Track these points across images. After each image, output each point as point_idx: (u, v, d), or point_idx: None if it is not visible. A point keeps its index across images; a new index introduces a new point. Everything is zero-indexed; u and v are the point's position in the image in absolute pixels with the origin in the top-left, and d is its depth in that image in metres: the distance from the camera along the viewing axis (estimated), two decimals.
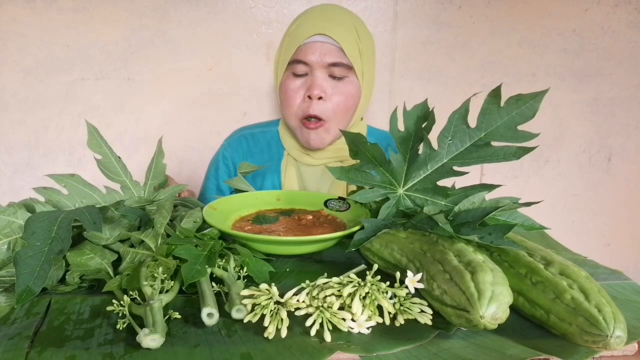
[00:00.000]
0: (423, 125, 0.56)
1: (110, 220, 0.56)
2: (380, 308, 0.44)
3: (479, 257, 0.43)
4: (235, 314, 0.43)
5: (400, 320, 0.43)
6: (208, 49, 1.24)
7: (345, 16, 0.87)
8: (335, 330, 0.42)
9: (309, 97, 0.85)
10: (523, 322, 0.45)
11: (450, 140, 0.55)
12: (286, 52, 0.88)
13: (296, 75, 0.87)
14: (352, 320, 0.42)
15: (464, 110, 0.54)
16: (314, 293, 0.44)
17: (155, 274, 0.47)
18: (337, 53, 0.84)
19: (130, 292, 0.46)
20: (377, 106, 1.32)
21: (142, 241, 0.53)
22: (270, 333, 0.40)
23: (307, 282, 0.46)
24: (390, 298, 0.45)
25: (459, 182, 0.56)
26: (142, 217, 0.58)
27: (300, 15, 0.90)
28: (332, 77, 0.86)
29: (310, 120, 0.86)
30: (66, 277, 0.51)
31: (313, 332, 0.41)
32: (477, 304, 0.38)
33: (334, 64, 0.84)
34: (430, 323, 0.43)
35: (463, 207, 0.52)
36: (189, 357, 0.38)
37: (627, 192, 1.45)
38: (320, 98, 0.85)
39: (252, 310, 0.43)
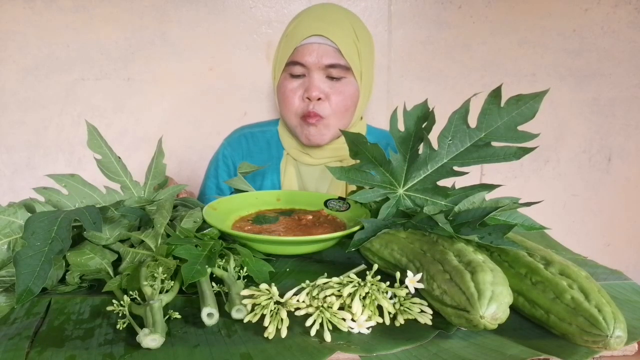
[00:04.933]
0: (423, 126, 0.56)
1: (110, 220, 0.56)
2: (380, 308, 0.44)
3: (479, 257, 0.43)
4: (235, 314, 0.43)
5: (400, 320, 0.43)
6: (208, 49, 1.24)
7: (342, 16, 0.86)
8: (335, 330, 0.42)
9: (308, 98, 0.85)
10: (523, 322, 0.44)
11: (450, 140, 0.55)
12: (283, 53, 0.88)
13: (293, 76, 0.87)
14: (352, 320, 0.42)
15: (464, 110, 0.54)
16: (314, 293, 0.44)
17: (155, 274, 0.47)
18: (334, 54, 0.84)
19: (130, 292, 0.46)
20: (377, 106, 1.32)
21: (142, 241, 0.53)
22: (270, 333, 0.40)
23: (307, 282, 0.46)
24: (390, 298, 0.45)
25: (459, 182, 0.56)
26: (142, 217, 0.58)
27: (298, 15, 0.90)
28: (330, 77, 0.86)
29: (311, 115, 0.86)
30: (66, 277, 0.51)
31: (313, 332, 0.41)
32: (477, 304, 0.38)
33: (331, 66, 0.84)
34: (430, 323, 0.43)
35: (463, 207, 0.52)
36: (189, 357, 0.38)
37: (627, 192, 1.45)
38: (319, 99, 0.85)
39: (252, 310, 0.43)
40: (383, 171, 0.59)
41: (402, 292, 0.44)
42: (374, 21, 1.26)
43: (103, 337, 0.41)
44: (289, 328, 0.41)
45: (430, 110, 0.56)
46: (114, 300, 0.44)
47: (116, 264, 0.54)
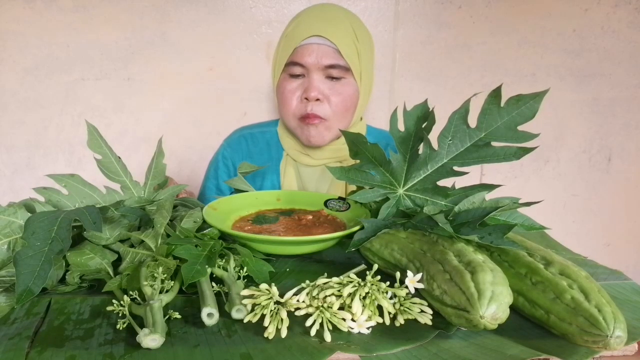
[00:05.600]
0: (423, 126, 0.56)
1: (110, 220, 0.56)
2: (380, 308, 0.44)
3: (479, 257, 0.43)
4: (235, 314, 0.43)
5: (400, 320, 0.43)
6: (208, 49, 1.24)
7: (342, 16, 0.86)
8: (335, 330, 0.42)
9: (306, 99, 0.85)
10: (523, 322, 0.45)
11: (450, 140, 0.55)
12: (283, 53, 0.87)
13: (293, 77, 0.87)
14: (352, 320, 0.42)
15: (464, 110, 0.54)
16: (314, 293, 0.44)
17: (155, 274, 0.47)
18: (334, 55, 0.83)
19: (130, 292, 0.46)
20: (377, 106, 1.32)
21: (142, 241, 0.53)
22: (270, 333, 0.40)
23: (307, 282, 0.46)
24: (390, 298, 0.45)
25: (459, 182, 0.56)
26: (142, 217, 0.58)
27: (297, 15, 0.89)
28: (329, 78, 0.85)
29: (310, 117, 0.86)
30: (66, 277, 0.51)
31: (313, 332, 0.41)
32: (477, 304, 0.38)
33: (331, 66, 0.84)
34: (430, 323, 0.43)
35: (463, 207, 0.52)
36: (189, 357, 0.38)
37: (627, 192, 1.45)
38: (317, 100, 0.85)
39: (252, 310, 0.43)
40: (383, 171, 0.59)
41: (402, 292, 0.44)
42: (374, 21, 1.26)
43: (103, 337, 0.41)
44: (289, 328, 0.41)
45: (430, 110, 0.56)
46: (114, 300, 0.44)
47: (116, 264, 0.54)
